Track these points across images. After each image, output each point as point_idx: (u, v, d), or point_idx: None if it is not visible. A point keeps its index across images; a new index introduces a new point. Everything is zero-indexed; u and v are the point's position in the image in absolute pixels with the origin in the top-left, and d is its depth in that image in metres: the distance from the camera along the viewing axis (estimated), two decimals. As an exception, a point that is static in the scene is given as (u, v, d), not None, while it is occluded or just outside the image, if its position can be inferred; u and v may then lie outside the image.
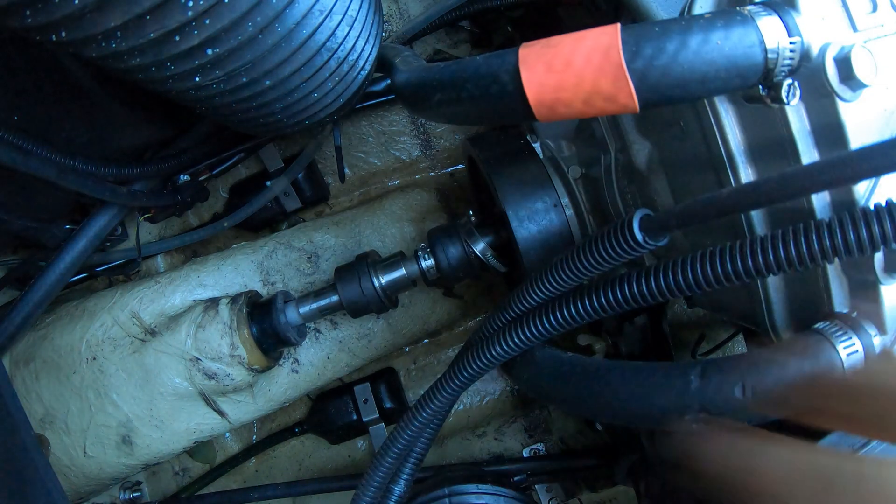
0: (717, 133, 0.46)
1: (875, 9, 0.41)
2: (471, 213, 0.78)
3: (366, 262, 0.77)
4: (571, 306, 0.52)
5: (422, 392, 0.62)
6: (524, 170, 0.71)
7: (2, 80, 0.58)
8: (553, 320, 0.53)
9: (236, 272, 0.88)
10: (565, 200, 0.70)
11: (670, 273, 0.44)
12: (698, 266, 0.41)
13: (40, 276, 0.71)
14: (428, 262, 0.76)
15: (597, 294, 0.50)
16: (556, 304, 0.53)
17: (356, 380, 1.02)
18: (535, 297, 0.54)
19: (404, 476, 0.64)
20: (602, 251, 0.47)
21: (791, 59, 0.38)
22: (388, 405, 1.00)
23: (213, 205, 1.03)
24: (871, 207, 0.35)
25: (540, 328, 0.54)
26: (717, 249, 0.41)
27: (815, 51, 0.39)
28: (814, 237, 0.36)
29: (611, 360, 0.49)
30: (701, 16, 0.38)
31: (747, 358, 0.40)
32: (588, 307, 0.50)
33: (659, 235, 0.45)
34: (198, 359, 0.76)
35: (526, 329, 0.54)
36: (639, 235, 0.45)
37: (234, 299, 0.79)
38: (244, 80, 0.47)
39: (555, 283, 0.52)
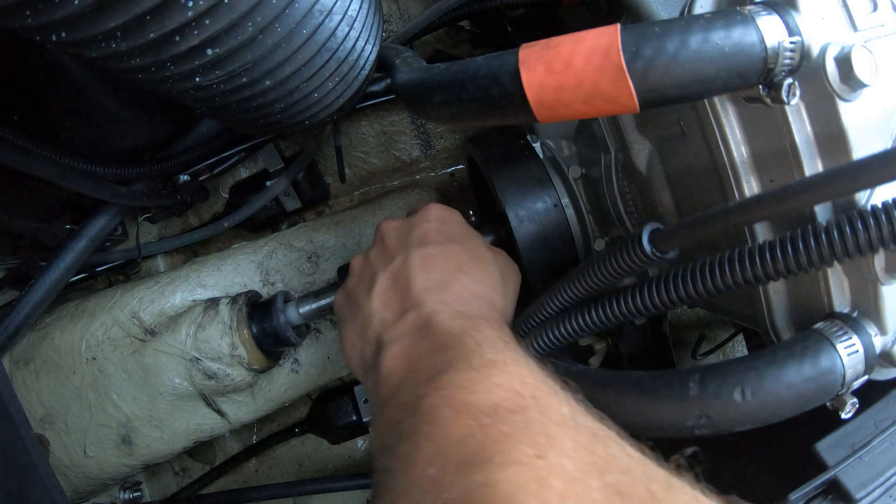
0: (717, 133, 0.46)
1: (875, 9, 0.41)
2: (471, 212, 0.78)
3: (366, 262, 0.77)
4: (577, 318, 0.52)
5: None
6: (524, 170, 0.71)
7: (2, 79, 0.58)
8: (557, 333, 0.53)
9: (236, 272, 0.88)
10: (565, 200, 0.70)
11: (678, 283, 0.44)
12: (707, 275, 0.41)
13: (40, 276, 0.71)
14: (428, 262, 0.76)
15: (603, 306, 0.50)
16: (560, 317, 0.54)
17: (356, 379, 1.02)
18: (542, 314, 0.55)
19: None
20: (612, 267, 0.48)
21: (791, 58, 0.38)
22: (388, 405, 1.00)
23: (213, 205, 1.03)
24: (869, 208, 0.35)
25: (545, 341, 0.54)
26: (723, 258, 0.41)
27: (815, 50, 0.39)
28: (812, 242, 0.37)
29: (612, 370, 0.49)
30: (701, 15, 0.38)
31: (745, 361, 0.40)
32: (595, 319, 0.51)
33: (668, 248, 0.45)
34: (198, 359, 0.76)
35: (532, 343, 0.55)
36: (647, 248, 0.45)
37: (234, 299, 0.79)
38: (244, 80, 0.47)
39: (560, 300, 0.53)
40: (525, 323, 0.57)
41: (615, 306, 0.49)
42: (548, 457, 0.24)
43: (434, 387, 0.32)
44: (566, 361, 0.56)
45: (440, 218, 0.57)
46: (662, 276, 0.45)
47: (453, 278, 0.48)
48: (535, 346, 0.55)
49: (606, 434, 0.28)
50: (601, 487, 0.23)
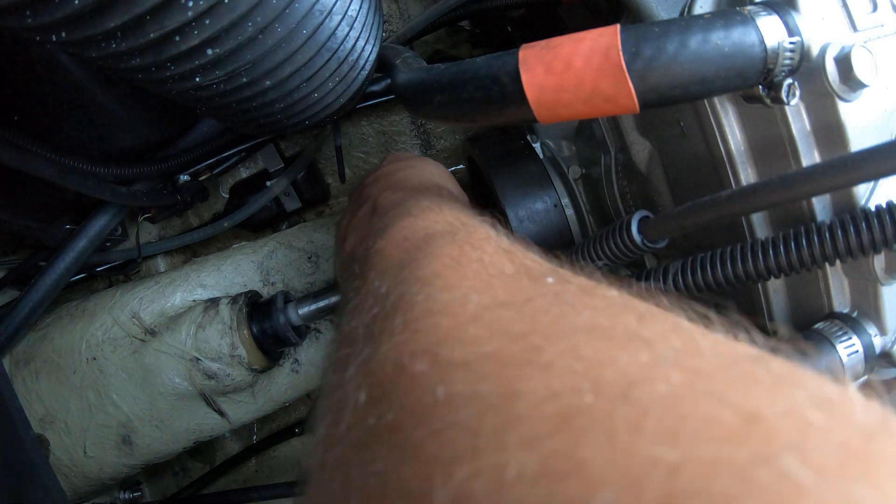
0: (717, 133, 0.46)
1: (875, 9, 0.41)
2: (471, 213, 0.78)
3: (366, 263, 0.76)
4: None
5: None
6: (524, 170, 0.71)
7: (2, 80, 0.58)
8: None
9: (236, 272, 0.88)
10: (565, 200, 0.70)
11: (671, 277, 0.44)
12: (699, 270, 0.41)
13: (40, 276, 0.71)
14: (428, 262, 0.76)
15: None
16: None
17: (356, 380, 1.02)
18: None
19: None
20: (600, 252, 0.47)
21: (791, 58, 0.38)
22: (388, 405, 1.00)
23: (213, 205, 1.03)
24: (872, 209, 0.35)
25: None
26: (718, 253, 0.41)
27: (815, 51, 0.39)
28: (816, 240, 0.37)
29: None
30: (701, 16, 0.38)
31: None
32: None
33: (657, 238, 0.45)
34: (198, 359, 0.76)
35: None
36: (637, 238, 0.45)
37: (234, 299, 0.79)
38: (244, 80, 0.47)
39: None
40: None
41: None
42: (468, 254, 0.29)
43: (380, 237, 0.37)
44: None
45: (390, 159, 0.65)
46: (660, 268, 0.45)
47: (396, 173, 0.57)
48: None
49: (531, 254, 0.31)
50: (514, 269, 0.27)
